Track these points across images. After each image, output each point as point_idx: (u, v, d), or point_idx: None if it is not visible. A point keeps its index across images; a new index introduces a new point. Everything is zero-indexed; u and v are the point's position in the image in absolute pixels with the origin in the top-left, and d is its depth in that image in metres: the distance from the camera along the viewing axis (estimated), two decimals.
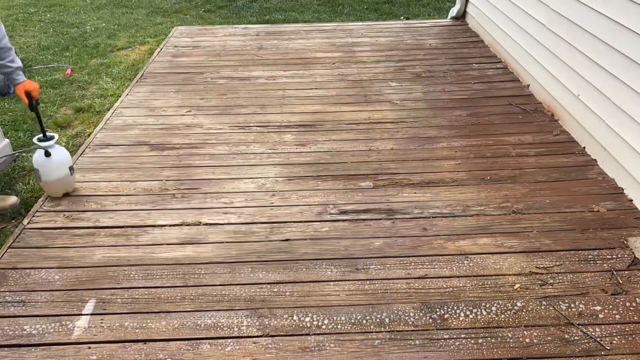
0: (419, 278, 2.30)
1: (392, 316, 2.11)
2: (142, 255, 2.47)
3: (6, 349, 2.00)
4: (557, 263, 2.36)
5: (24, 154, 3.51)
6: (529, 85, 4.11)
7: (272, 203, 2.82)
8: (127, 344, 2.01)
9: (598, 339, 1.98)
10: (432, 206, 2.77)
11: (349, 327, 2.06)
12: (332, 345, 1.99)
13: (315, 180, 3.02)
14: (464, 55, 4.82)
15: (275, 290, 2.25)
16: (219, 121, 3.71)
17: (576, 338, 1.99)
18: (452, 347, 1.97)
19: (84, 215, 2.75)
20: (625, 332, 2.01)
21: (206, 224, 2.67)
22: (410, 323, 2.08)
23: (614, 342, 1.97)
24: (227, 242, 2.54)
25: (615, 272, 2.30)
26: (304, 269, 2.36)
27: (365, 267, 2.37)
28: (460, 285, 2.26)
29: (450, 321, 2.08)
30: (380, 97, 4.04)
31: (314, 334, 2.04)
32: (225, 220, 2.69)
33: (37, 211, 2.79)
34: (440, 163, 3.16)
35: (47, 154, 2.77)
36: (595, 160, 3.12)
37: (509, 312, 2.11)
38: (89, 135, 3.67)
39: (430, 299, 2.19)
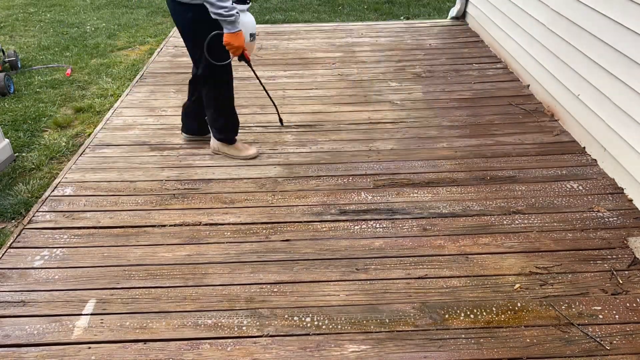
0: (419, 278, 2.30)
1: (392, 316, 2.11)
2: (142, 255, 2.47)
3: (6, 348, 2.00)
4: (557, 263, 2.36)
5: (24, 154, 3.51)
6: (529, 85, 4.11)
7: (272, 203, 2.82)
8: (127, 344, 2.01)
9: (598, 339, 1.98)
10: (432, 206, 2.77)
11: (349, 327, 2.06)
12: (332, 345, 1.99)
13: (315, 180, 3.02)
14: (464, 55, 4.82)
15: (275, 290, 2.25)
16: None
17: (576, 338, 1.99)
18: (452, 347, 1.97)
19: (84, 215, 2.75)
20: (625, 332, 2.01)
21: (206, 224, 2.67)
22: (410, 323, 2.08)
23: (614, 342, 1.97)
24: (227, 242, 2.54)
25: (615, 272, 2.30)
26: (304, 269, 2.36)
27: (365, 267, 2.37)
28: (460, 285, 2.26)
29: (450, 321, 2.08)
30: (380, 97, 4.04)
31: (314, 334, 2.04)
32: (225, 220, 2.69)
33: (37, 211, 2.79)
34: (440, 163, 3.16)
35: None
36: (595, 160, 3.12)
37: (509, 312, 2.11)
38: (89, 135, 3.67)
39: (430, 299, 2.19)
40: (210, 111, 3.16)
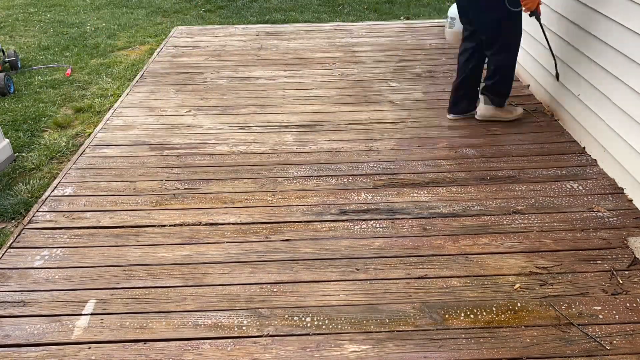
0: (419, 278, 2.30)
1: (392, 316, 2.11)
2: (142, 255, 2.47)
3: (6, 348, 2.00)
4: (557, 263, 2.36)
5: (24, 154, 3.51)
6: (529, 86, 4.11)
7: (272, 203, 2.82)
8: (127, 344, 2.01)
9: (598, 339, 1.98)
10: (432, 206, 2.77)
11: (349, 327, 2.06)
12: (332, 345, 1.99)
13: (315, 180, 3.02)
14: None
15: (275, 290, 2.25)
16: (219, 121, 3.71)
17: (576, 338, 1.99)
18: (452, 347, 1.97)
19: (84, 215, 2.75)
20: (625, 332, 2.01)
21: (206, 224, 2.67)
22: (410, 323, 2.08)
23: (614, 342, 1.97)
24: (227, 242, 2.54)
25: (615, 272, 2.30)
26: (304, 269, 2.36)
27: (365, 267, 2.37)
28: (460, 285, 2.26)
29: (450, 321, 2.08)
30: (380, 97, 4.04)
31: (314, 334, 2.04)
32: (225, 220, 2.69)
33: (37, 211, 2.79)
34: (440, 163, 3.16)
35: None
36: (595, 160, 3.12)
37: (509, 312, 2.11)
38: (89, 135, 3.67)
39: (430, 299, 2.18)
40: (494, 76, 3.35)
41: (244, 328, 2.07)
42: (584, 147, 3.26)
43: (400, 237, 2.55)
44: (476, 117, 3.56)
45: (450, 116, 3.64)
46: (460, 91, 3.54)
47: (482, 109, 3.51)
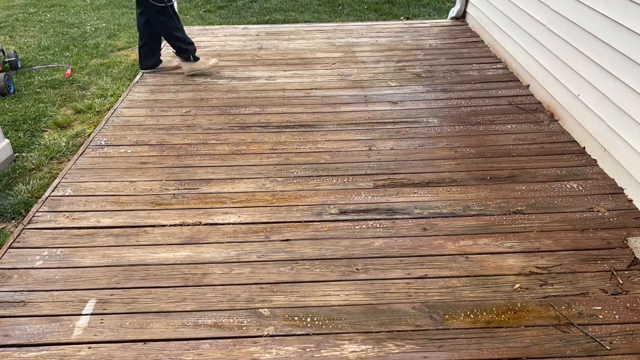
0: (418, 278, 2.30)
1: (392, 316, 2.11)
2: (142, 255, 2.47)
3: (6, 348, 2.00)
4: (557, 263, 2.36)
5: (24, 154, 3.51)
6: (529, 85, 4.11)
7: (272, 203, 2.83)
8: (127, 344, 2.01)
9: (598, 339, 1.98)
10: (432, 206, 2.77)
11: (349, 327, 2.06)
12: (332, 345, 1.99)
13: (316, 180, 3.02)
14: (464, 55, 4.82)
15: (275, 290, 2.25)
16: (219, 121, 3.71)
17: (576, 338, 1.99)
18: (452, 347, 1.97)
19: (84, 215, 2.75)
20: (625, 332, 2.01)
21: (206, 224, 2.67)
22: (410, 323, 2.08)
23: (614, 342, 1.97)
24: (227, 242, 2.54)
25: (615, 272, 2.30)
26: (304, 269, 2.37)
27: (365, 267, 2.37)
28: (460, 285, 2.26)
29: (450, 321, 2.08)
30: (380, 97, 4.04)
31: (314, 334, 2.04)
32: (225, 220, 2.70)
33: (37, 211, 2.79)
34: (440, 163, 3.16)
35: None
36: (595, 160, 3.12)
37: (509, 312, 2.11)
38: (89, 135, 3.68)
39: (430, 299, 2.19)
40: (172, 46, 4.37)
41: (244, 328, 2.07)
42: (584, 147, 3.26)
43: (400, 237, 2.55)
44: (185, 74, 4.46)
45: (143, 71, 4.59)
46: (143, 50, 4.48)
47: (183, 66, 4.40)
